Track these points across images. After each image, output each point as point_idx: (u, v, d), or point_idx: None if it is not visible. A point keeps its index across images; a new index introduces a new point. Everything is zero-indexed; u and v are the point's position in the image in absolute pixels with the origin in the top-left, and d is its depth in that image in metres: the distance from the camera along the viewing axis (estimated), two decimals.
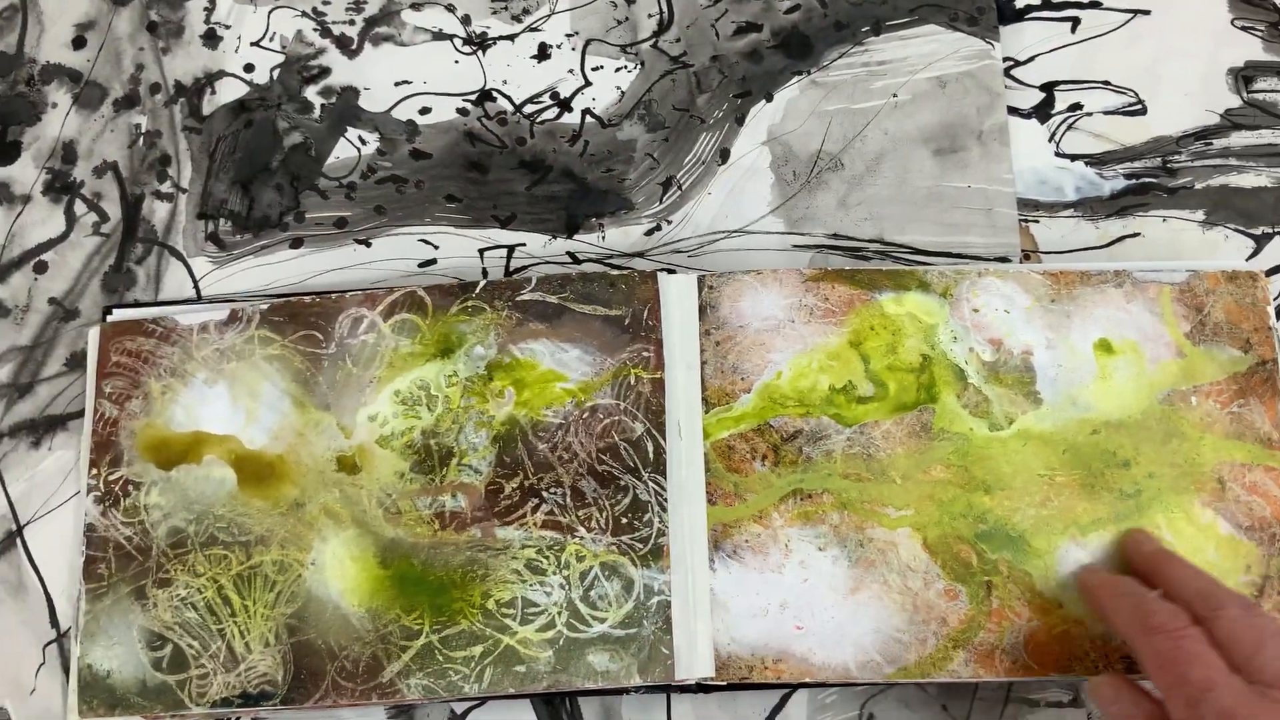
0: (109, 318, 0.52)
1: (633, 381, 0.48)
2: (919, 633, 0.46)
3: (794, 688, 0.48)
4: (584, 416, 0.48)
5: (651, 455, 0.47)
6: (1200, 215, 0.53)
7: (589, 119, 0.55)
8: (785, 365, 0.49)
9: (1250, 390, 0.48)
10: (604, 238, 0.53)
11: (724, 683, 0.46)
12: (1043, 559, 0.46)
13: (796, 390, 0.48)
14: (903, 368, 0.48)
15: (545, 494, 0.47)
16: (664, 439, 0.47)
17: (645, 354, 0.48)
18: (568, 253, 0.53)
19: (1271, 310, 0.49)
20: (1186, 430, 0.48)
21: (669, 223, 0.54)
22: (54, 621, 0.49)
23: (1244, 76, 0.55)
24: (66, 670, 0.49)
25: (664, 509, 0.47)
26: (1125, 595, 0.42)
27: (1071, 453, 0.47)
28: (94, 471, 0.49)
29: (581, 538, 0.46)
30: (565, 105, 0.55)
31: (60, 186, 0.55)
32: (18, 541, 0.50)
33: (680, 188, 0.54)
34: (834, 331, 0.49)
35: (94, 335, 0.51)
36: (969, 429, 0.48)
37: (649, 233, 0.53)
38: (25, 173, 0.55)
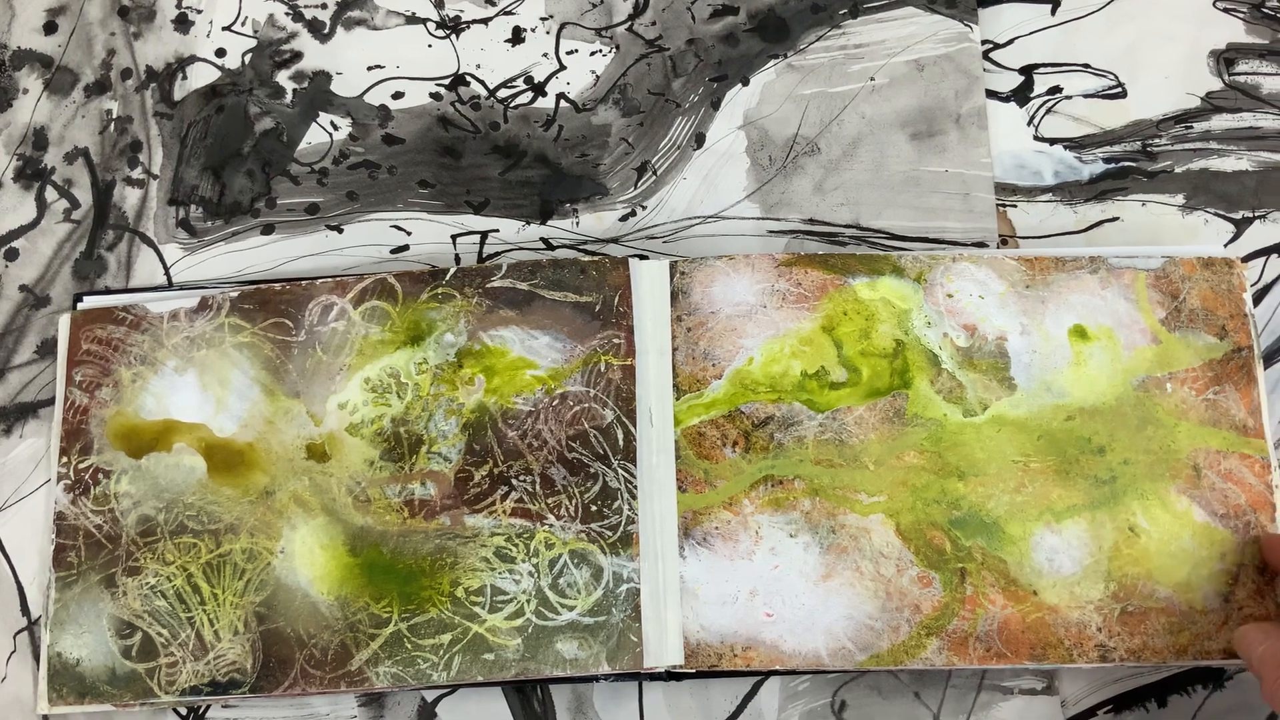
0: (79, 305, 0.51)
1: (603, 368, 0.48)
2: (891, 620, 0.45)
3: (765, 675, 0.48)
4: (554, 404, 0.47)
5: (621, 442, 0.47)
6: (1180, 199, 0.53)
7: (563, 103, 0.55)
8: (757, 351, 0.48)
9: (1226, 377, 0.47)
10: (578, 223, 0.53)
11: (694, 670, 0.45)
12: (1017, 545, 0.46)
13: (768, 376, 0.48)
14: (876, 353, 0.48)
15: (514, 482, 0.47)
16: (634, 426, 0.47)
17: (616, 340, 0.48)
18: (541, 239, 0.53)
19: (1248, 297, 0.48)
20: (1161, 417, 0.47)
21: (644, 208, 0.53)
22: (24, 609, 0.49)
23: (1226, 59, 0.54)
24: (37, 658, 0.48)
25: (634, 496, 0.46)
26: None
27: (1046, 439, 0.47)
28: (64, 459, 0.49)
29: (551, 525, 0.46)
30: (539, 90, 0.55)
31: (31, 173, 0.55)
32: None
33: (655, 173, 0.54)
34: (806, 317, 0.48)
35: (64, 323, 0.51)
36: (943, 415, 0.47)
37: (624, 218, 0.53)
38: None
